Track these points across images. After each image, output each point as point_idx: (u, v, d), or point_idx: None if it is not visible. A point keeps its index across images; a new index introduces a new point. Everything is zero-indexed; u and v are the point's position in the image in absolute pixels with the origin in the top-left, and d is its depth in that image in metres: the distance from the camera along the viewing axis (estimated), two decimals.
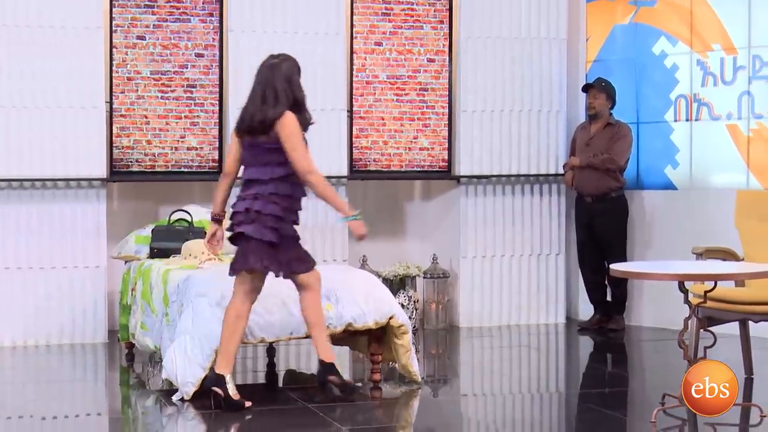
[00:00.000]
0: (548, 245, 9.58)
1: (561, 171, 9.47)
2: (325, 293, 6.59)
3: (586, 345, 8.86)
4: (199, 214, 8.07)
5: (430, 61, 9.32)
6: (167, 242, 7.76)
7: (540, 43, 9.50)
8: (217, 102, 8.86)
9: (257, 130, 6.11)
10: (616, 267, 5.84)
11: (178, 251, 7.61)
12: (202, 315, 6.41)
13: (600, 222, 9.04)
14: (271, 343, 7.74)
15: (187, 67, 8.80)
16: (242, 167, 6.26)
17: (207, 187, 9.17)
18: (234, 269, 6.21)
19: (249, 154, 6.17)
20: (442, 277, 9.29)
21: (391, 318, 6.70)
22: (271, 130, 6.08)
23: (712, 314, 6.45)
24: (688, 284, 5.98)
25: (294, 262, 6.21)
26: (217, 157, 8.87)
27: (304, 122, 6.22)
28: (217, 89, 8.85)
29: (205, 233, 7.72)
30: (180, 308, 6.63)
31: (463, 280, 9.41)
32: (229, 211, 6.40)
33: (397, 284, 9.08)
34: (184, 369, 6.35)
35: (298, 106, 6.20)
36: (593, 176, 9.01)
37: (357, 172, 9.20)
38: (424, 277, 9.27)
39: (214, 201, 6.42)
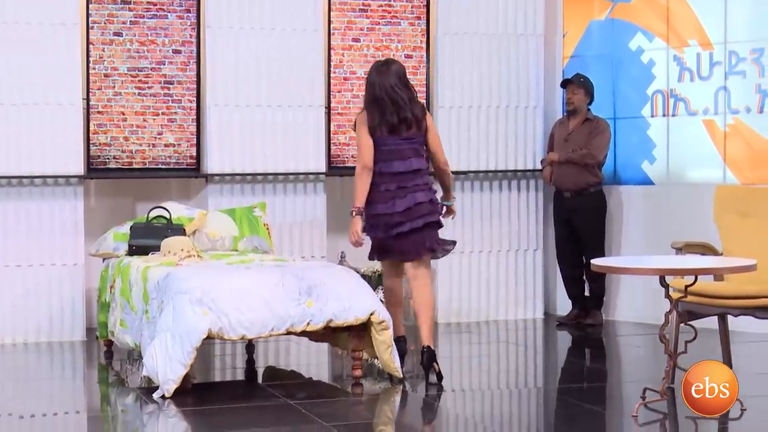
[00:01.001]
0: (526, 241, 9.60)
1: (539, 167, 9.49)
2: (306, 290, 6.60)
3: (564, 340, 8.88)
4: (178, 211, 8.03)
5: (408, 57, 9.32)
6: (146, 239, 7.72)
7: (517, 39, 9.51)
8: (195, 99, 8.83)
9: (410, 124, 6.76)
10: (597, 262, 5.85)
11: (156, 248, 7.57)
12: (182, 312, 6.39)
13: (578, 217, 9.06)
14: (250, 340, 7.74)
15: (164, 64, 8.76)
16: (391, 161, 6.77)
17: (185, 184, 9.16)
18: (420, 254, 6.87)
19: (406, 148, 6.77)
20: None
21: (371, 314, 6.69)
22: (421, 125, 6.80)
23: (691, 308, 6.46)
24: (668, 279, 6.00)
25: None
26: (194, 154, 8.84)
27: None
28: (195, 86, 8.82)
29: (184, 230, 7.78)
30: (160, 305, 6.60)
31: (441, 276, 9.42)
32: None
33: (375, 280, 9.06)
34: (165, 366, 6.33)
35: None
36: (572, 172, 9.03)
37: (335, 168, 9.18)
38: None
39: (360, 196, 6.79)
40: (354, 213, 6.81)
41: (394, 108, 6.77)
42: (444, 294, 9.42)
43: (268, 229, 8.24)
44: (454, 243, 7.07)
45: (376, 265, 9.04)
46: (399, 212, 6.78)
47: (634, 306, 9.20)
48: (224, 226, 8.10)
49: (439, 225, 6.94)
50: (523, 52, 9.52)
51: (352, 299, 6.67)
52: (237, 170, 8.86)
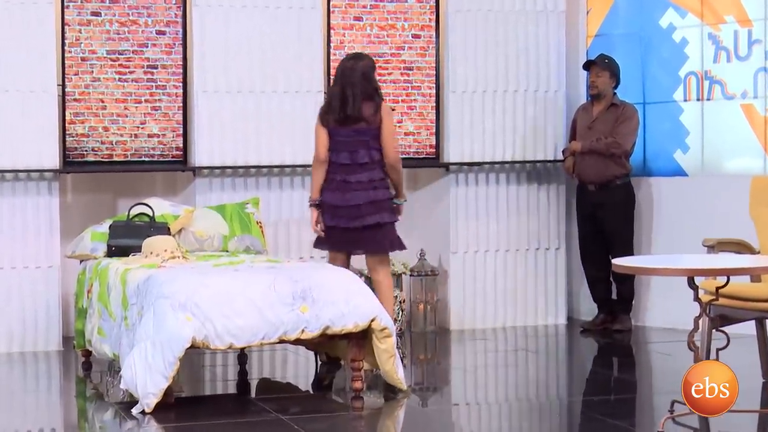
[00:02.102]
0: (547, 239, 9.57)
1: (560, 157, 9.46)
2: (300, 294, 6.60)
3: (589, 348, 8.89)
4: (162, 208, 8.03)
5: (416, 37, 9.31)
6: (126, 239, 7.73)
7: (536, 17, 9.49)
8: (181, 84, 8.83)
9: (357, 118, 7.50)
10: (618, 262, 5.83)
11: (138, 249, 7.58)
12: (164, 319, 6.39)
13: (604, 213, 9.03)
14: (242, 350, 7.75)
15: (147, 46, 8.76)
16: (339, 152, 7.57)
17: (170, 178, 9.16)
18: (383, 249, 7.76)
19: (353, 140, 7.54)
20: (431, 275, 9.28)
21: (372, 320, 6.69)
22: (376, 117, 7.51)
23: (725, 313, 6.45)
24: (699, 280, 5.98)
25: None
26: (181, 145, 8.84)
27: None
28: (181, 70, 8.82)
29: (168, 229, 7.80)
30: (140, 311, 6.61)
31: (453, 277, 9.41)
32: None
33: None
34: (145, 378, 6.33)
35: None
36: (596, 162, 9.00)
37: None
38: (410, 275, 9.27)
39: (315, 188, 7.72)
40: (309, 204, 7.77)
41: (341, 104, 7.54)
42: (457, 298, 9.41)
43: (261, 227, 8.24)
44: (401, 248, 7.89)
45: None
46: (350, 206, 7.56)
47: (665, 310, 9.18)
48: (213, 224, 8.10)
49: (392, 223, 7.75)
50: (543, 30, 9.50)
51: (351, 304, 6.66)
52: (228, 163, 8.86)
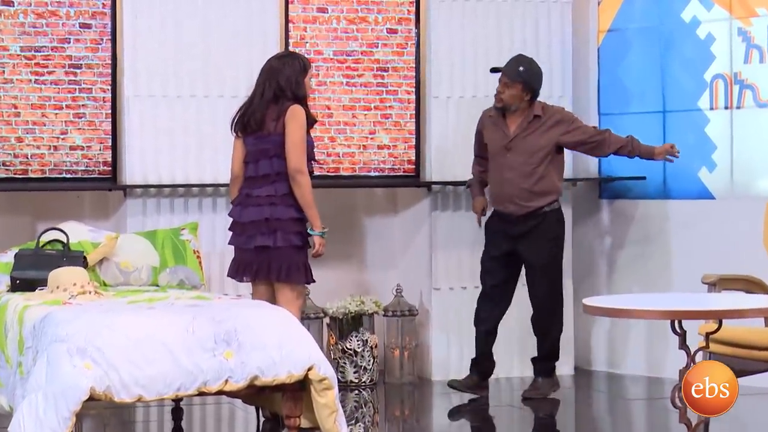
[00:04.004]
0: None
1: (567, 175, 9.35)
2: (223, 336, 6.58)
3: (596, 404, 8.89)
4: (79, 234, 8.00)
5: (391, 32, 9.34)
6: (33, 271, 7.70)
7: (536, 8, 9.52)
8: (109, 87, 8.88)
9: (263, 124, 7.65)
10: (590, 302, 5.80)
11: (46, 282, 7.59)
12: (58, 366, 6.35)
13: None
14: (176, 404, 7.76)
15: (69, 42, 8.82)
16: (248, 164, 7.74)
17: (101, 199, 9.18)
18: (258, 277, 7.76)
19: (256, 149, 7.69)
20: (409, 315, 9.29)
21: (309, 369, 6.65)
22: (278, 123, 7.61)
23: (729, 363, 6.40)
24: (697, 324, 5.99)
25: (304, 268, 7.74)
26: (109, 159, 8.88)
27: (310, 119, 7.74)
28: (109, 70, 8.87)
29: (85, 259, 7.79)
30: (35, 356, 6.60)
31: (435, 318, 9.42)
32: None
33: (349, 324, 9.07)
34: None
35: (300, 103, 7.70)
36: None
37: None
38: (384, 315, 9.27)
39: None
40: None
41: (246, 108, 7.74)
42: (439, 343, 9.41)
43: (198, 257, 8.23)
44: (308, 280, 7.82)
45: (350, 305, 9.06)
46: (244, 224, 7.67)
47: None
48: (141, 253, 8.08)
49: (293, 248, 7.66)
50: (545, 24, 9.52)
51: (285, 350, 6.61)
52: (164, 180, 8.90)
